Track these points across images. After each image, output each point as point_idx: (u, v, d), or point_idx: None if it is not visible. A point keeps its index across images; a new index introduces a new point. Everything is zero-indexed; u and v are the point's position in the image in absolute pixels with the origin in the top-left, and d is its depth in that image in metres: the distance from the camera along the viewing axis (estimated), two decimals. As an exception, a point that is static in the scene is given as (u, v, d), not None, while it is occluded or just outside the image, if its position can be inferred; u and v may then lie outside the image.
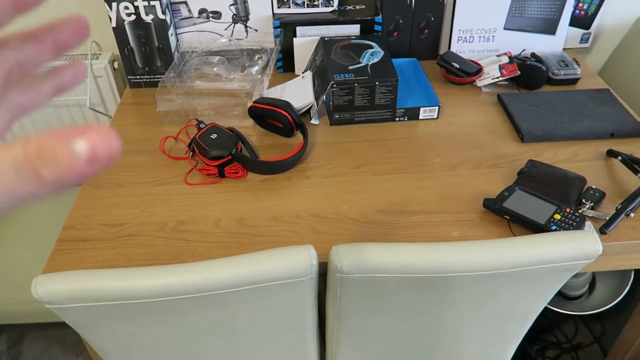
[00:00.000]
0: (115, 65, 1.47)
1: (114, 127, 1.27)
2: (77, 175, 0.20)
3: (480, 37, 1.41)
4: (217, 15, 1.38)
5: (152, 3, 1.24)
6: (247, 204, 1.01)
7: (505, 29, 1.41)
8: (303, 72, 1.35)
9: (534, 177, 1.02)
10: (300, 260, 0.72)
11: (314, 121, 1.23)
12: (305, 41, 1.35)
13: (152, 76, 1.36)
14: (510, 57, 1.36)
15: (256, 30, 1.41)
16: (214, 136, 1.08)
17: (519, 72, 1.31)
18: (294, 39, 1.35)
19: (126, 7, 1.24)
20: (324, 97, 1.19)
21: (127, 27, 1.27)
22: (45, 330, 1.71)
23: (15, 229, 1.44)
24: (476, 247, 0.73)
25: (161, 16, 1.26)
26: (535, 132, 1.15)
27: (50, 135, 0.20)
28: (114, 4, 1.23)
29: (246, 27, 1.40)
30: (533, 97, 1.27)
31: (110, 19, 1.25)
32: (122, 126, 1.25)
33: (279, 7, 1.36)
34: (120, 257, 0.91)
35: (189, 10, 1.37)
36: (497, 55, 1.39)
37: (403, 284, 0.77)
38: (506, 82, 1.36)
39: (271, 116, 1.14)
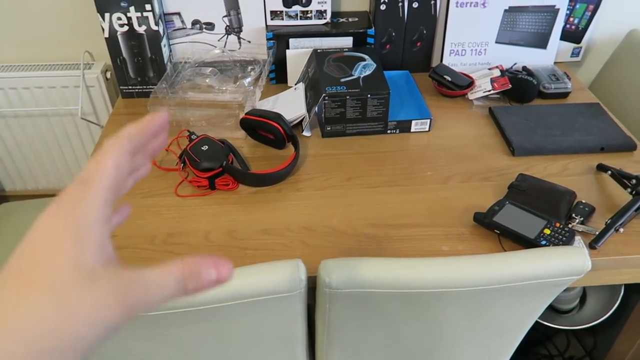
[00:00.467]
0: (108, 75, 1.47)
1: (105, 137, 1.27)
2: (204, 290, 0.31)
3: (472, 50, 1.42)
4: (210, 26, 1.38)
5: (145, 14, 1.24)
6: (238, 216, 1.01)
7: (497, 42, 1.42)
8: (295, 84, 1.36)
9: (524, 191, 1.02)
10: (289, 275, 0.71)
11: (305, 133, 1.23)
12: (298, 53, 1.36)
13: (144, 87, 1.36)
14: (502, 71, 1.36)
15: (249, 42, 1.41)
16: (205, 148, 1.08)
17: (510, 85, 1.32)
18: (287, 50, 1.35)
19: (119, 18, 1.24)
20: (316, 109, 1.19)
21: (119, 37, 1.27)
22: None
23: (11, 237, 1.43)
24: (466, 263, 0.73)
25: (154, 27, 1.26)
26: (526, 145, 1.16)
27: (196, 262, 0.31)
28: (107, 15, 1.23)
29: (239, 38, 1.41)
30: (524, 111, 1.28)
31: (103, 29, 1.25)
32: (114, 137, 1.25)
33: (272, 19, 1.36)
34: (109, 270, 0.90)
35: (182, 21, 1.37)
36: (489, 69, 1.40)
37: (392, 299, 0.76)
38: (497, 96, 1.36)
39: (263, 128, 1.14)
